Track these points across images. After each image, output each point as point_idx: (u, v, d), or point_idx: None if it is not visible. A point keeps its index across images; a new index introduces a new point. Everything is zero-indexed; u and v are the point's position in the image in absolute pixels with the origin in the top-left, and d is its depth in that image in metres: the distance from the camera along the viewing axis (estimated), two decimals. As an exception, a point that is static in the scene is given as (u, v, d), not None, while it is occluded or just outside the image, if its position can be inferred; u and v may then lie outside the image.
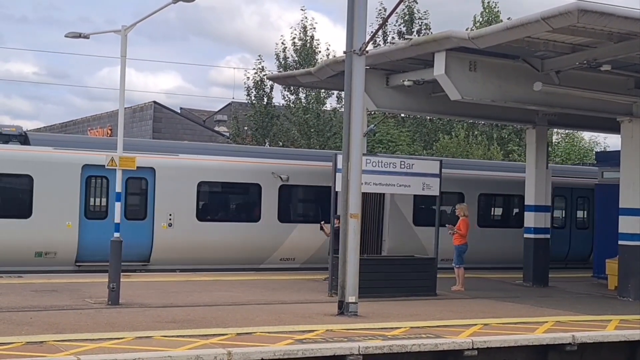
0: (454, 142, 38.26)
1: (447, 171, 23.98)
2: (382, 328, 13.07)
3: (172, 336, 11.59)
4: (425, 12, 39.07)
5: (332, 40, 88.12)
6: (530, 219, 21.58)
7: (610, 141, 51.18)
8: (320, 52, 37.51)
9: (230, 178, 21.92)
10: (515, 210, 25.84)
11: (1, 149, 19.71)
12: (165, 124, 42.84)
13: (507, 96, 18.11)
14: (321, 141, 36.28)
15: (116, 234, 15.17)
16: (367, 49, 14.91)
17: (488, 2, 41.61)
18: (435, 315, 14.88)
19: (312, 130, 36.51)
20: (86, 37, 16.27)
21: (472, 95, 17.61)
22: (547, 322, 14.43)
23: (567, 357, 13.16)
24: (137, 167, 20.15)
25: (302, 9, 42.56)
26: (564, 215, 27.16)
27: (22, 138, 20.65)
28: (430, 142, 39.52)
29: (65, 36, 16.31)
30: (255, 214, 22.16)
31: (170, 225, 20.86)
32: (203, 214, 21.57)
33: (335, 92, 36.40)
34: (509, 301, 17.40)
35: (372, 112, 24.98)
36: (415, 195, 21.98)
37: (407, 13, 38.68)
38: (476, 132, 40.60)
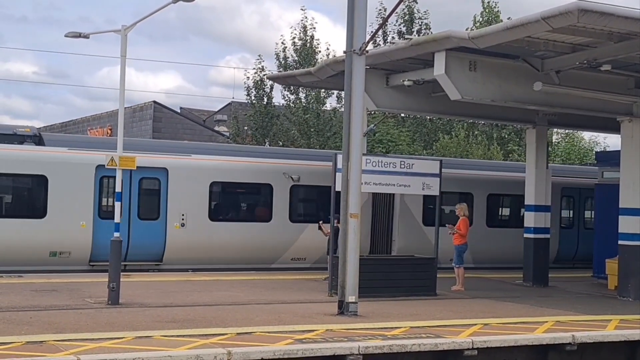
0: (454, 142, 38.27)
1: (456, 172, 24.51)
2: (382, 328, 13.07)
3: (172, 336, 11.59)
4: (425, 12, 39.15)
5: (332, 40, 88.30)
6: (530, 219, 21.59)
7: (610, 141, 51.26)
8: (320, 51, 37.55)
9: (242, 178, 22.07)
10: (524, 210, 25.88)
11: (16, 150, 19.87)
12: (165, 123, 42.85)
13: (507, 96, 18.11)
14: (321, 141, 36.28)
15: (116, 234, 15.17)
16: (367, 48, 14.91)
17: (488, 2, 41.62)
18: (435, 315, 14.88)
19: (312, 130, 36.51)
20: (86, 36, 16.27)
21: (472, 95, 17.60)
22: (547, 322, 14.43)
23: (567, 357, 13.16)
24: (150, 167, 20.63)
25: (302, 9, 42.59)
26: (572, 216, 27.18)
27: (37, 139, 20.79)
28: (430, 142, 39.53)
29: (65, 36, 16.31)
30: (266, 214, 22.28)
31: (182, 225, 21.00)
32: (215, 214, 21.71)
33: (335, 92, 36.42)
34: (509, 301, 17.40)
35: (372, 112, 25.00)
36: (425, 196, 22.04)
37: (407, 13, 38.69)
38: (476, 132, 40.62)
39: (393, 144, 34.75)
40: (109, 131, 43.21)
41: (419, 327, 13.36)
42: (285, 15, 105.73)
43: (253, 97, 37.87)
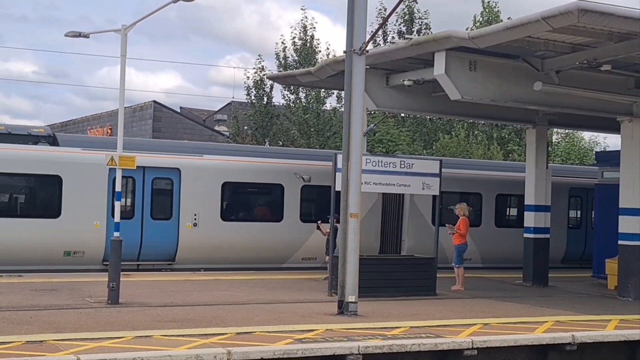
0: (454, 141, 38.27)
1: (465, 172, 24.80)
2: (382, 328, 13.07)
3: (172, 335, 11.59)
4: (425, 11, 39.14)
5: (332, 40, 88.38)
6: (530, 219, 21.59)
7: (610, 141, 51.25)
8: (320, 51, 37.55)
9: (254, 178, 22.22)
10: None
11: (31, 150, 19.98)
12: (165, 123, 42.86)
13: (507, 96, 18.10)
14: (321, 141, 36.28)
15: (116, 234, 15.17)
16: (367, 48, 14.91)
17: (488, 2, 41.62)
18: (435, 314, 14.88)
19: (312, 129, 36.51)
20: (86, 36, 16.27)
21: (472, 95, 17.60)
22: (546, 321, 14.43)
23: (567, 356, 13.16)
24: (163, 167, 20.81)
25: (302, 9, 42.66)
26: (579, 216, 27.23)
27: (51, 139, 20.91)
28: (430, 142, 39.52)
29: (65, 35, 16.30)
30: (277, 214, 22.42)
31: (195, 225, 21.13)
32: (227, 214, 21.86)
33: (335, 92, 36.42)
34: (508, 301, 17.40)
35: (372, 112, 24.99)
36: (434, 195, 22.20)
37: (407, 13, 38.68)
38: (476, 132, 40.62)
39: (393, 144, 34.74)
40: (109, 131, 43.21)
41: (418, 327, 13.36)
42: (285, 15, 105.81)
43: (253, 97, 37.88)
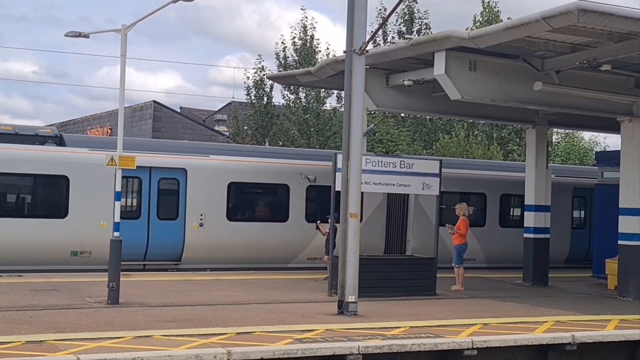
0: (454, 141, 38.26)
1: (470, 172, 25.00)
2: (381, 328, 13.06)
3: (172, 335, 11.59)
4: (425, 11, 39.14)
5: (332, 40, 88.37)
6: (530, 219, 21.60)
7: (610, 141, 51.25)
8: (320, 51, 37.54)
9: (260, 179, 22.28)
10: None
11: (38, 150, 20.06)
12: (165, 123, 42.86)
13: (507, 96, 18.10)
14: (321, 141, 36.28)
15: (116, 234, 15.17)
16: (367, 48, 14.91)
17: (488, 2, 41.61)
18: (435, 314, 14.88)
19: (312, 129, 36.51)
20: (86, 36, 16.26)
21: (472, 94, 17.60)
22: (546, 321, 14.43)
23: (567, 356, 13.16)
24: (170, 167, 20.91)
25: (302, 9, 42.64)
26: (583, 216, 27.28)
27: (58, 139, 21.00)
28: (430, 142, 39.52)
29: (65, 35, 16.30)
30: (283, 214, 22.48)
31: (201, 225, 21.19)
32: (233, 214, 21.92)
33: (335, 92, 36.41)
34: (508, 301, 17.40)
35: (372, 112, 24.98)
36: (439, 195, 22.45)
37: (407, 13, 38.68)
38: (476, 132, 40.61)
39: (393, 144, 34.74)
40: (109, 131, 43.21)
41: (418, 326, 13.36)
42: (285, 14, 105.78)
43: (253, 97, 37.88)
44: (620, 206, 19.11)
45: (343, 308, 14.46)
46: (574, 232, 26.49)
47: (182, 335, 11.61)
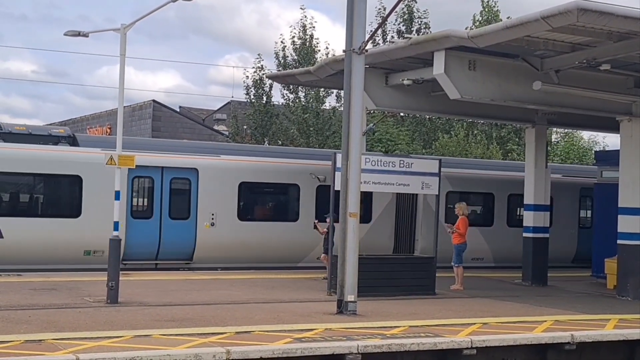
0: (453, 141, 38.27)
1: (478, 172, 25.24)
2: (381, 327, 13.06)
3: (171, 335, 11.59)
4: (424, 11, 39.12)
5: (331, 39, 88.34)
6: (529, 218, 21.60)
7: (610, 140, 51.26)
8: (319, 51, 37.54)
9: (270, 179, 22.41)
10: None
11: (52, 150, 20.17)
12: (165, 122, 42.86)
13: (507, 95, 18.10)
14: (320, 140, 36.28)
15: (115, 233, 15.17)
16: (366, 47, 14.91)
17: (487, 2, 41.60)
18: (434, 314, 14.88)
19: (311, 129, 36.51)
20: (85, 35, 16.25)
21: (471, 94, 17.59)
22: (546, 321, 14.43)
23: (566, 356, 13.16)
24: (181, 167, 21.13)
25: (301, 8, 42.63)
26: (590, 216, 27.36)
27: (71, 139, 21.10)
28: (429, 141, 39.52)
29: (65, 34, 16.28)
30: (293, 214, 22.61)
31: (212, 224, 21.31)
32: (244, 214, 22.05)
33: (335, 91, 36.40)
34: (508, 300, 17.40)
35: (372, 111, 24.98)
36: (447, 195, 23.07)
37: (407, 12, 38.67)
38: (475, 131, 40.60)
39: (392, 143, 34.75)
40: (109, 130, 43.19)
41: (418, 326, 13.36)
42: (284, 14, 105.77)
43: (252, 96, 37.87)
44: (619, 206, 19.12)
45: (342, 307, 14.46)
46: (581, 232, 26.58)
47: (181, 335, 11.61)
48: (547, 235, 21.65)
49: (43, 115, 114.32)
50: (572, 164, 39.06)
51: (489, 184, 24.95)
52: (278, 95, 49.67)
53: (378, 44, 34.30)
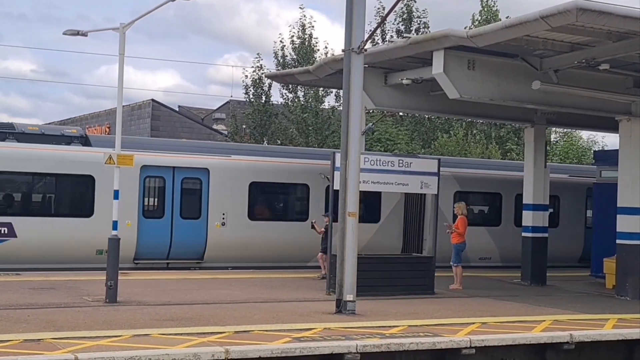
0: (452, 140, 38.27)
1: (486, 172, 25.50)
2: (380, 326, 13.06)
3: (170, 334, 11.58)
4: (423, 10, 39.09)
5: (330, 39, 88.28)
6: (528, 218, 21.60)
7: (609, 140, 51.29)
8: (318, 50, 37.53)
9: (280, 179, 22.58)
10: (550, 210, 26.26)
11: (64, 150, 20.30)
12: (164, 122, 42.83)
13: (506, 95, 18.09)
14: (319, 139, 36.27)
15: (114, 232, 15.17)
16: (365, 47, 14.90)
17: (487, 1, 41.60)
18: (433, 313, 14.88)
19: (310, 128, 36.50)
20: (84, 34, 16.24)
21: (470, 93, 17.59)
22: (544, 320, 14.43)
23: (565, 355, 13.16)
24: (193, 167, 21.35)
25: (300, 7, 42.63)
26: None
27: (83, 139, 21.23)
28: (428, 141, 39.52)
29: (64, 34, 16.28)
30: (303, 214, 22.71)
31: (223, 224, 21.47)
32: (254, 214, 22.19)
33: (334, 91, 36.39)
34: (507, 300, 17.40)
35: (371, 111, 24.98)
36: (455, 195, 23.38)
37: (406, 12, 38.65)
38: (475, 131, 40.60)
39: (391, 143, 34.74)
40: (107, 129, 43.14)
41: (417, 325, 13.35)
42: (283, 13, 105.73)
43: (251, 96, 37.85)
44: (618, 205, 19.12)
45: (341, 307, 14.46)
46: (588, 232, 26.65)
47: (180, 334, 11.60)
48: (546, 235, 21.67)
49: (42, 114, 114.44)
50: (578, 164, 39.06)
51: (496, 184, 25.12)
52: (277, 94, 49.66)
53: (377, 43, 34.30)
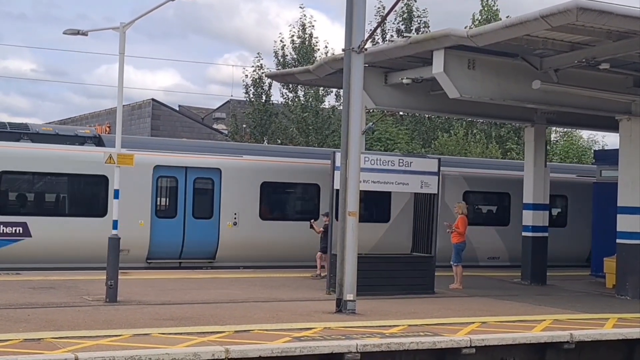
0: (452, 140, 38.27)
1: (495, 172, 25.62)
2: (380, 326, 13.06)
3: (170, 333, 11.58)
4: (424, 10, 39.12)
5: (330, 38, 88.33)
6: (528, 218, 21.60)
7: (609, 140, 51.27)
8: (318, 49, 37.53)
9: (291, 179, 22.75)
10: (558, 210, 26.53)
11: (78, 151, 20.39)
12: (164, 121, 42.81)
13: (506, 94, 18.10)
14: (320, 139, 36.27)
15: (114, 231, 15.17)
16: (365, 46, 14.90)
17: (487, 1, 41.58)
18: (433, 313, 14.88)
19: (310, 128, 36.50)
20: (84, 34, 16.24)
21: (470, 93, 17.59)
22: (545, 320, 14.44)
23: (565, 355, 13.16)
24: (205, 167, 21.49)
25: (300, 7, 42.61)
26: None
27: (97, 140, 21.35)
28: (428, 140, 39.53)
29: (64, 33, 16.28)
30: (314, 213, 22.71)
31: (235, 224, 21.60)
32: (265, 213, 22.32)
33: (334, 90, 36.39)
34: (507, 299, 17.40)
35: (371, 110, 24.98)
36: (464, 194, 23.44)
37: (406, 11, 38.67)
38: (475, 130, 40.60)
39: (392, 142, 34.74)
40: (108, 129, 43.08)
41: (417, 325, 13.35)
42: (283, 13, 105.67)
43: (252, 95, 37.86)
44: (618, 205, 19.11)
45: (341, 306, 14.46)
46: None
47: (180, 334, 11.60)
48: (546, 234, 21.67)
49: (42, 114, 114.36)
50: (578, 164, 39.06)
51: (505, 183, 25.19)
52: (277, 94, 49.65)
53: (377, 43, 34.31)
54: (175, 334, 11.59)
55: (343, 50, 15.23)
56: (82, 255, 19.79)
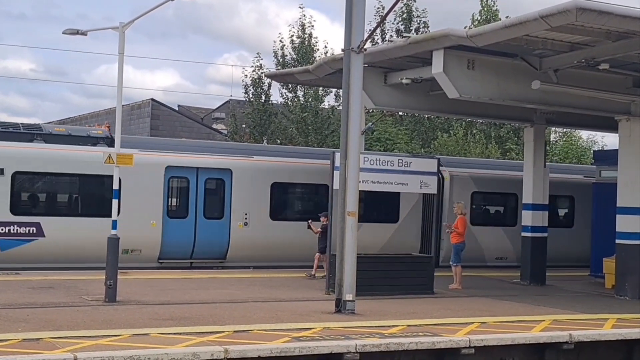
0: (452, 140, 38.26)
1: (502, 172, 25.74)
2: (379, 326, 13.06)
3: (169, 333, 11.58)
4: (423, 10, 39.08)
5: (330, 39, 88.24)
6: (527, 218, 21.59)
7: (608, 140, 51.25)
8: (318, 50, 37.51)
9: (301, 179, 22.91)
10: (565, 211, 26.65)
11: (91, 151, 20.45)
12: (163, 121, 42.81)
13: (505, 94, 18.09)
14: (319, 139, 36.26)
15: (113, 231, 15.17)
16: (365, 46, 14.90)
17: (486, 1, 41.58)
18: (432, 313, 14.88)
19: (309, 128, 36.49)
20: (84, 34, 16.23)
21: (470, 93, 17.59)
22: (544, 320, 14.44)
23: (564, 355, 13.16)
24: (216, 168, 21.65)
25: (300, 7, 42.60)
26: None
27: (109, 140, 21.40)
28: (428, 141, 39.52)
29: (63, 33, 16.28)
30: None
31: (245, 224, 21.74)
32: (276, 214, 22.44)
33: (334, 90, 36.38)
34: (506, 299, 17.40)
35: (370, 110, 24.97)
36: (472, 195, 23.57)
37: (406, 11, 38.64)
38: (474, 131, 40.59)
39: (391, 142, 34.73)
40: (107, 128, 43.09)
41: (416, 325, 13.35)
42: (282, 13, 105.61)
43: (251, 95, 37.85)
44: (617, 205, 19.12)
45: (340, 306, 14.46)
46: None
47: (180, 334, 11.60)
48: (545, 234, 21.67)
49: (42, 114, 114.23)
50: (578, 164, 39.06)
51: (512, 184, 25.16)
52: (277, 94, 49.58)
53: (377, 43, 34.30)
54: (175, 334, 11.59)
55: (342, 50, 15.23)
56: (96, 255, 19.75)
